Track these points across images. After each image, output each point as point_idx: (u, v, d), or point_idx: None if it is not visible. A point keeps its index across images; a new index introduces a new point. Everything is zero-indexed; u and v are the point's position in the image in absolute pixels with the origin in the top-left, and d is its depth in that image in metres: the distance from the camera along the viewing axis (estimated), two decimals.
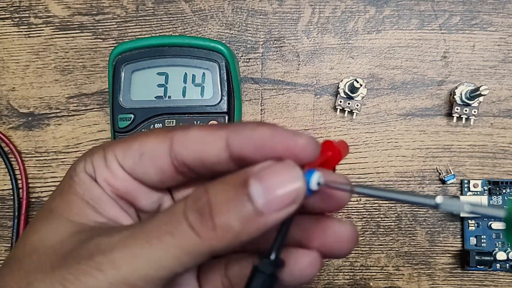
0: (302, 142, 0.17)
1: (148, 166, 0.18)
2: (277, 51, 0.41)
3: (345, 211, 0.40)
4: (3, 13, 0.42)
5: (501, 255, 0.38)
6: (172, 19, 0.41)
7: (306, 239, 0.19)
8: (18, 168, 0.41)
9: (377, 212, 0.40)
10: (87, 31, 0.42)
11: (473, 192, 0.40)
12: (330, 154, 0.19)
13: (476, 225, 0.40)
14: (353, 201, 0.40)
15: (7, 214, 0.41)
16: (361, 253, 0.40)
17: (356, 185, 0.17)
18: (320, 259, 0.19)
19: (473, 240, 0.40)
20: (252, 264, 0.17)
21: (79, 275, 0.16)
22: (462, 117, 0.39)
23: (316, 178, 0.17)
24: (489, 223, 0.39)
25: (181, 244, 0.16)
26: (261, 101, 0.41)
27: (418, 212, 0.40)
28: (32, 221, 0.19)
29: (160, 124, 0.37)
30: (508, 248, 0.39)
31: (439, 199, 0.15)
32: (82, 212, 0.18)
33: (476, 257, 0.38)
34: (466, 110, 0.39)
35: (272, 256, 0.17)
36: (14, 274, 0.17)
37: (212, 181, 0.17)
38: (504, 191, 0.39)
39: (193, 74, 0.37)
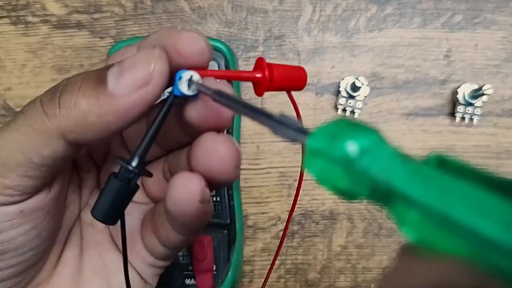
0: (186, 36, 0.16)
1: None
2: (278, 49, 0.41)
3: (347, 212, 0.40)
4: (0, 11, 0.41)
5: None
6: (171, 17, 0.41)
7: (189, 161, 0.18)
8: None
9: (379, 214, 0.40)
10: (85, 29, 0.41)
11: None
12: (257, 75, 0.17)
13: None
14: (355, 202, 0.40)
15: None
16: (363, 255, 0.40)
17: (219, 91, 0.15)
18: (199, 181, 0.17)
19: None
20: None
21: None
22: (465, 117, 0.39)
23: (186, 78, 0.16)
24: None
25: (30, 122, 0.16)
26: (261, 100, 0.40)
27: None
28: None
29: None
30: None
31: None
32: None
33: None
34: (469, 110, 0.38)
35: (134, 162, 0.16)
36: None
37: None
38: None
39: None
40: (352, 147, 0.10)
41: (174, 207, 0.17)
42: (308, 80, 0.40)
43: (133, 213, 0.22)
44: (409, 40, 0.40)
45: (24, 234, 0.17)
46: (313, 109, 0.40)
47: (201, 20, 0.41)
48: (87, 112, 0.15)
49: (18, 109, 0.40)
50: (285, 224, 0.40)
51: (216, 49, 0.36)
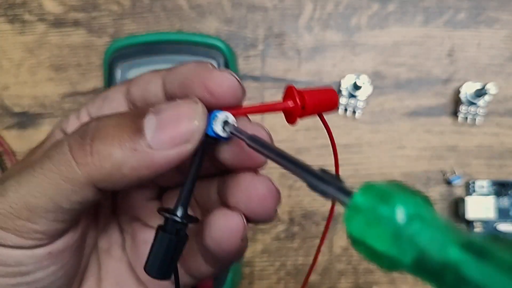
0: (219, 78, 0.16)
1: (108, 108, 0.19)
2: (278, 48, 0.40)
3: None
4: None
5: None
6: (169, 15, 0.40)
7: (226, 198, 0.18)
8: None
9: None
10: (82, 28, 0.40)
11: (480, 194, 0.38)
12: (289, 104, 0.16)
13: (482, 227, 0.38)
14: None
15: None
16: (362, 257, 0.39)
17: (253, 136, 0.15)
18: (241, 220, 0.17)
19: None
20: None
21: None
22: (467, 117, 0.38)
23: (221, 119, 0.16)
24: (496, 225, 0.38)
25: (58, 169, 0.15)
26: (262, 99, 0.40)
27: None
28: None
29: None
30: None
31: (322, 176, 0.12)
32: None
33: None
34: (471, 109, 0.38)
35: (179, 212, 0.16)
36: None
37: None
38: (511, 192, 0.38)
39: None
40: (402, 211, 0.10)
41: (214, 244, 0.17)
42: (309, 79, 0.40)
43: None
44: (411, 38, 0.40)
45: (51, 274, 0.17)
46: None
47: (200, 18, 0.40)
48: (122, 164, 0.15)
49: (15, 109, 0.40)
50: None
51: (215, 47, 0.36)
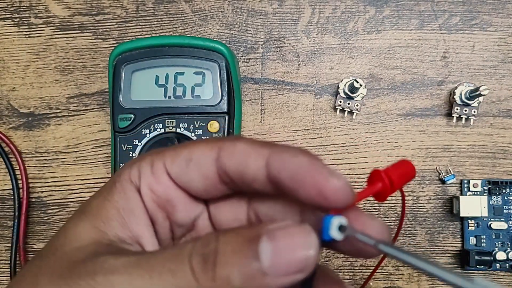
0: (334, 185, 0.16)
1: (194, 173, 0.18)
2: (277, 51, 0.41)
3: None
4: (4, 13, 0.42)
5: (500, 255, 0.38)
6: (172, 19, 0.41)
7: None
8: (18, 168, 0.41)
9: (377, 212, 0.40)
10: (88, 31, 0.42)
11: (473, 192, 0.40)
12: (379, 186, 0.17)
13: (476, 225, 0.40)
14: None
15: (7, 214, 0.41)
16: None
17: (382, 241, 0.16)
18: None
19: (473, 240, 0.40)
20: None
21: None
22: (462, 117, 0.39)
23: (336, 224, 0.16)
24: (489, 223, 0.39)
25: (178, 284, 0.15)
26: (261, 101, 0.41)
27: (418, 212, 0.40)
28: (69, 218, 0.19)
29: (160, 124, 0.37)
30: (508, 248, 0.39)
31: (474, 285, 0.13)
32: (108, 223, 0.18)
33: (476, 257, 0.38)
34: (466, 110, 0.39)
35: None
36: (32, 271, 0.17)
37: (226, 229, 0.16)
38: (503, 191, 0.40)
39: (193, 74, 0.37)
40: None
41: None
42: (307, 81, 0.41)
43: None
44: (406, 41, 0.41)
45: None
46: (312, 110, 0.41)
47: (202, 22, 0.41)
48: None
49: (22, 110, 0.41)
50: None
51: (216, 51, 0.37)
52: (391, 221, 0.40)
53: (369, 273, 0.40)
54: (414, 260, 0.15)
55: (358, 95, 0.39)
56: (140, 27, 0.41)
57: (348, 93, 0.39)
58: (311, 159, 0.16)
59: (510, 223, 0.39)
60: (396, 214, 0.40)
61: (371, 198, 0.40)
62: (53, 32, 0.42)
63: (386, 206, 0.40)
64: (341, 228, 0.16)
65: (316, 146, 0.41)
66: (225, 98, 0.37)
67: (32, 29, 0.42)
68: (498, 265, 0.39)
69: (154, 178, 0.18)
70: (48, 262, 0.17)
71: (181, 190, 0.19)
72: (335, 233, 0.16)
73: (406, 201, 0.40)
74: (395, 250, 0.16)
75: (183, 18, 0.41)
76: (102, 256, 0.17)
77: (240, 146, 0.18)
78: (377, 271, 0.40)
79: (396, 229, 0.40)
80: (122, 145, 0.37)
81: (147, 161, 0.19)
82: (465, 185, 0.40)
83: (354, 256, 0.19)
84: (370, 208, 0.40)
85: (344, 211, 0.17)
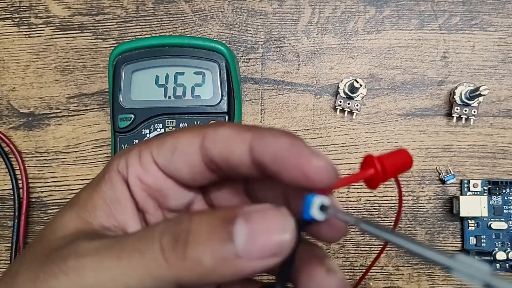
0: (316, 164, 0.16)
1: (180, 162, 0.18)
2: (277, 51, 0.41)
3: (345, 211, 0.40)
4: (4, 13, 0.42)
5: (500, 255, 0.38)
6: (172, 19, 0.41)
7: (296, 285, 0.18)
8: (18, 168, 0.41)
9: (377, 212, 0.40)
10: (88, 31, 0.42)
11: (473, 192, 0.40)
12: (371, 172, 0.17)
13: (476, 225, 0.40)
14: (352, 201, 0.40)
15: (7, 214, 0.41)
16: (361, 253, 0.40)
17: (362, 220, 0.16)
18: None
19: (472, 240, 0.40)
20: None
21: (48, 276, 0.16)
22: (462, 117, 0.39)
23: (318, 203, 0.16)
24: (489, 223, 0.39)
25: (148, 265, 0.15)
26: (261, 101, 0.41)
27: (418, 212, 0.40)
28: (60, 209, 0.19)
29: (160, 124, 0.37)
30: (508, 248, 0.39)
31: (455, 262, 0.13)
32: (93, 212, 0.18)
33: (476, 257, 0.38)
34: (466, 110, 0.39)
35: None
36: (18, 260, 0.17)
37: (200, 210, 0.16)
38: (503, 191, 0.40)
39: (193, 74, 0.37)
40: None
41: None
42: (307, 81, 0.41)
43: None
44: (406, 41, 0.41)
45: None
46: (312, 110, 0.41)
47: (202, 22, 0.41)
48: (212, 271, 0.15)
49: (22, 110, 0.41)
50: None
51: (216, 51, 0.37)
52: (391, 221, 0.40)
53: (369, 273, 0.40)
54: (395, 238, 0.15)
55: (358, 95, 0.39)
56: (140, 27, 0.41)
57: (348, 93, 0.39)
58: (293, 140, 0.16)
59: (510, 223, 0.39)
60: (395, 214, 0.40)
61: (372, 197, 0.40)
62: (53, 32, 0.42)
63: (386, 206, 0.40)
64: (323, 208, 0.16)
65: (316, 146, 0.41)
66: (225, 98, 0.37)
67: (32, 29, 0.42)
68: (498, 265, 0.39)
69: (143, 168, 0.18)
70: (32, 251, 0.17)
71: (170, 179, 0.19)
72: (316, 213, 0.16)
73: (406, 201, 0.40)
74: (375, 229, 0.15)
75: (183, 18, 0.41)
76: (77, 241, 0.17)
77: (223, 131, 0.17)
78: (377, 271, 0.40)
79: (397, 230, 0.40)
80: (122, 145, 0.37)
81: (135, 151, 0.19)
82: (465, 185, 0.40)
83: (323, 241, 0.19)
84: (370, 208, 0.40)
85: (329, 192, 0.17)
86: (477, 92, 0.37)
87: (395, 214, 0.40)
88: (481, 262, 0.13)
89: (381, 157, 0.17)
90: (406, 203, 0.40)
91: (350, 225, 0.16)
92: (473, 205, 0.38)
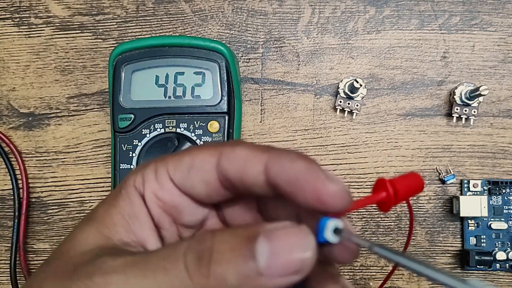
0: (331, 189, 0.16)
1: (196, 179, 0.18)
2: (277, 51, 0.41)
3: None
4: (4, 13, 0.42)
5: (501, 255, 0.38)
6: (172, 19, 0.41)
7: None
8: (18, 168, 0.41)
9: (377, 212, 0.40)
10: (88, 31, 0.42)
11: (473, 192, 0.40)
12: (383, 195, 0.17)
13: (476, 225, 0.40)
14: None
15: (7, 214, 0.41)
16: (361, 253, 0.40)
17: (376, 244, 0.16)
18: None
19: (473, 240, 0.40)
20: None
21: None
22: (462, 117, 0.39)
23: (331, 226, 0.16)
24: (489, 223, 0.39)
25: (173, 283, 0.15)
26: (261, 101, 0.41)
27: (418, 212, 0.40)
28: (76, 224, 0.20)
29: (160, 124, 0.37)
30: (508, 248, 0.39)
31: (468, 286, 0.13)
32: (113, 228, 0.18)
33: (476, 257, 0.38)
34: (466, 110, 0.39)
35: None
36: (38, 276, 0.18)
37: (223, 228, 0.17)
38: (503, 191, 0.40)
39: (193, 74, 0.37)
40: None
41: None
42: (307, 81, 0.41)
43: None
44: (406, 41, 0.41)
45: None
46: (312, 110, 0.41)
47: (202, 22, 0.41)
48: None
49: (22, 110, 0.41)
50: None
51: (216, 51, 0.37)
52: (391, 221, 0.40)
53: (369, 273, 0.40)
54: (408, 262, 0.15)
55: (358, 95, 0.39)
56: (140, 27, 0.41)
57: (348, 93, 0.39)
58: (309, 164, 0.17)
59: (510, 223, 0.39)
60: (396, 214, 0.40)
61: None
62: (53, 32, 0.42)
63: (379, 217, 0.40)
64: (337, 231, 0.17)
65: (316, 146, 0.41)
66: (225, 98, 0.37)
67: (32, 29, 0.42)
68: (498, 265, 0.39)
69: (159, 185, 0.19)
70: (53, 266, 0.17)
71: (186, 196, 0.19)
72: (330, 236, 0.16)
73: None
74: (389, 252, 0.16)
75: (183, 18, 0.41)
76: (102, 258, 0.17)
77: (239, 151, 0.18)
78: (377, 271, 0.40)
79: (397, 231, 0.40)
80: (122, 145, 0.37)
81: (151, 168, 0.19)
82: (465, 185, 0.40)
83: (337, 263, 0.19)
84: (374, 211, 0.40)
85: (343, 215, 0.17)
86: (477, 92, 0.37)
87: (396, 215, 0.40)
88: (492, 286, 0.13)
89: (393, 181, 0.18)
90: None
91: (363, 248, 0.16)
92: (473, 205, 0.38)
